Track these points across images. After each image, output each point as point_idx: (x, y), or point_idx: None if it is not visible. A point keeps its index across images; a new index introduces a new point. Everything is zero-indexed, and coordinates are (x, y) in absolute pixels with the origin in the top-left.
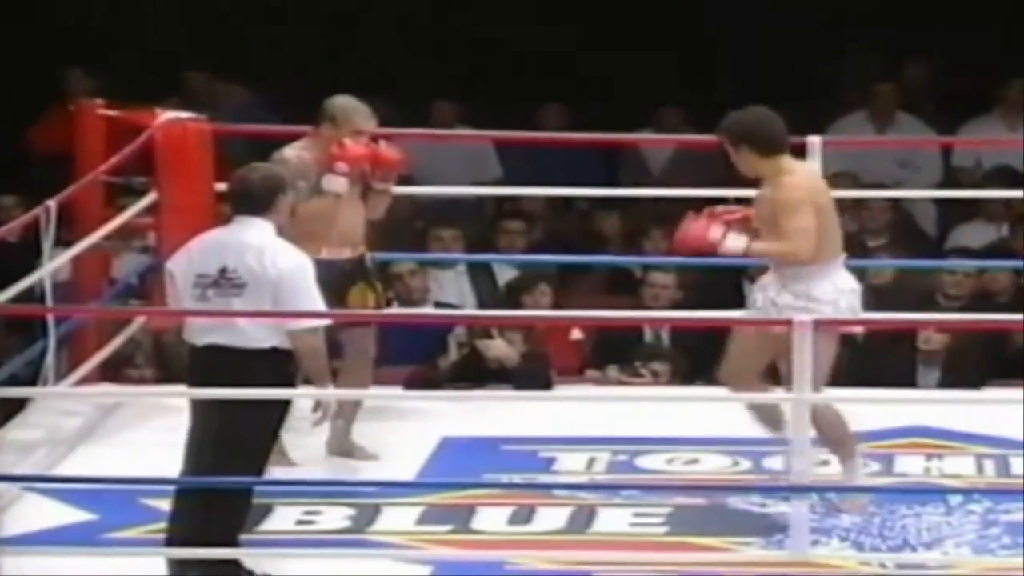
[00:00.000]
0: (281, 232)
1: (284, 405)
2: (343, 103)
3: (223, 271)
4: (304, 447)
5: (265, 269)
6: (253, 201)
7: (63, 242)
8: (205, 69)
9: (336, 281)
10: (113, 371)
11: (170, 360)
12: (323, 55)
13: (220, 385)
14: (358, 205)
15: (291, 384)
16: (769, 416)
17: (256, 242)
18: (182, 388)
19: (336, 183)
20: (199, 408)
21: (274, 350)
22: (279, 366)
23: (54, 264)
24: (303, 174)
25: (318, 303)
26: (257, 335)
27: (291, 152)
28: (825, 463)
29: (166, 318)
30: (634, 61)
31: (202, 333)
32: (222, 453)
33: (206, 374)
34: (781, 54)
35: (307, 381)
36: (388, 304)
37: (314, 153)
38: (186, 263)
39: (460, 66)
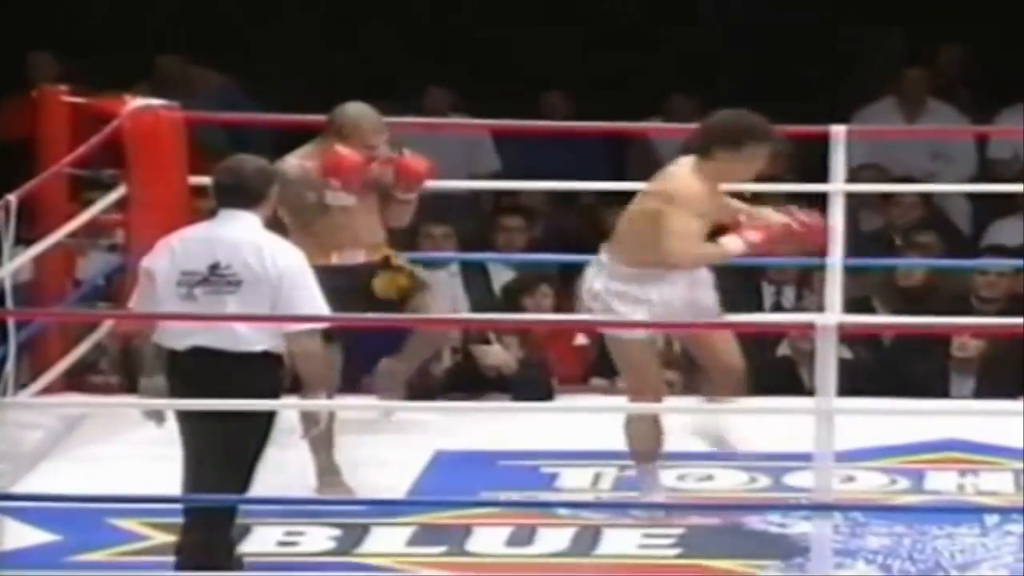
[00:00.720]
0: (268, 226)
1: (273, 412)
2: (353, 114)
3: (214, 267)
4: (287, 462)
5: (264, 267)
6: (245, 194)
7: (24, 240)
8: (179, 52)
9: (358, 284)
10: (75, 378)
11: (139, 367)
12: (317, 45)
13: (208, 392)
14: (372, 209)
15: (280, 390)
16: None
17: (250, 237)
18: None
19: (340, 198)
20: (186, 416)
21: (265, 354)
22: (270, 371)
23: (14, 264)
24: (310, 184)
25: (318, 302)
26: (250, 337)
27: (294, 161)
28: (851, 479)
29: (135, 321)
30: (643, 52)
31: (185, 335)
32: (209, 463)
33: (191, 380)
34: (801, 37)
35: (294, 388)
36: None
37: (318, 162)
38: (168, 260)
39: (460, 65)
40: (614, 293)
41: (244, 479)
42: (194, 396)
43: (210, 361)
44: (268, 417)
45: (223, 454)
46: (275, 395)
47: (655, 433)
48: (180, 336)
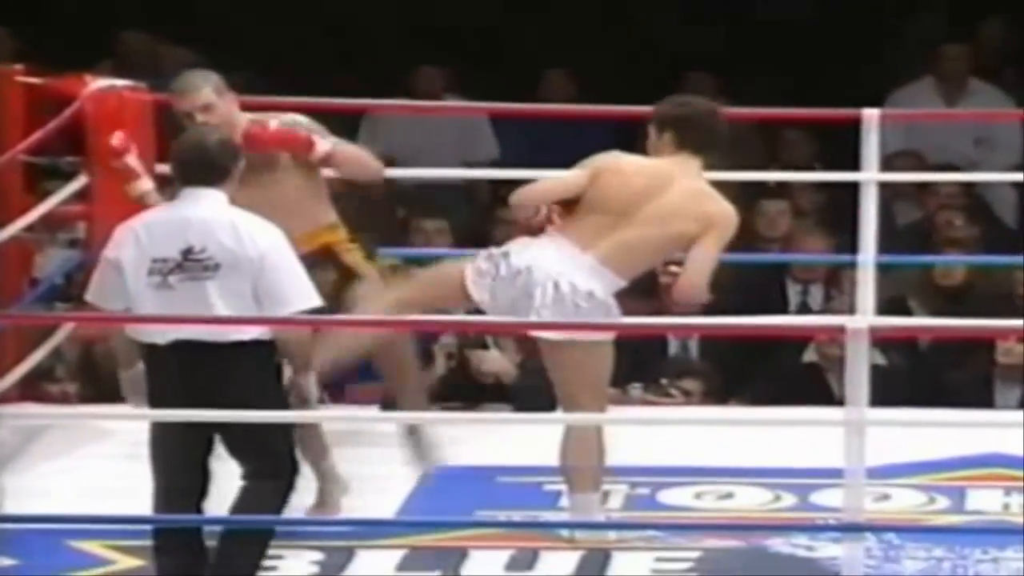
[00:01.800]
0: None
1: (282, 399)
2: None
3: (188, 252)
4: None
5: (244, 247)
6: (210, 169)
7: None
8: (146, 28)
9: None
10: (30, 387)
11: (102, 374)
12: (298, 22)
13: (199, 389)
14: (283, 191)
15: (279, 380)
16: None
17: (222, 217)
18: (118, 408)
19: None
20: (192, 423)
21: (256, 342)
22: (265, 360)
23: None
24: None
25: (305, 283)
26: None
27: None
28: (885, 497)
29: (98, 323)
30: (654, 33)
31: (166, 327)
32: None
33: (178, 378)
34: (834, 13)
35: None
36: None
37: None
38: (134, 248)
39: (454, 43)
40: (610, 305)
41: (290, 479)
42: (183, 395)
43: (197, 355)
44: (283, 403)
45: (264, 456)
46: (275, 385)
47: (602, 453)
48: (159, 329)
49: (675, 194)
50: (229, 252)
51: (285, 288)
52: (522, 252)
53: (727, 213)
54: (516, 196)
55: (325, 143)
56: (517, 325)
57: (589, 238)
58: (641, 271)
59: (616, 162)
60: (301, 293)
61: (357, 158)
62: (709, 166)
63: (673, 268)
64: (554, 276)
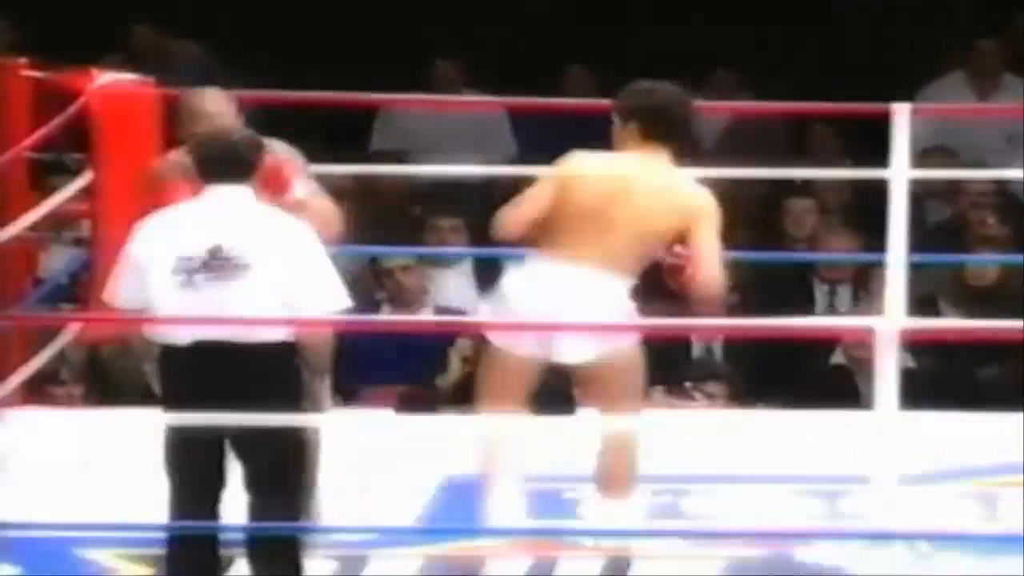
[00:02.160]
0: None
1: (301, 405)
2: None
3: (215, 251)
4: None
5: (275, 245)
6: (236, 165)
7: None
8: (154, 21)
9: None
10: (34, 390)
11: (108, 376)
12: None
13: (221, 393)
14: None
15: (301, 385)
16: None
17: (251, 214)
18: (125, 412)
19: None
20: (232, 430)
21: (282, 343)
22: (289, 363)
23: None
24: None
25: (337, 282)
26: (265, 324)
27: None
28: (915, 504)
29: (106, 322)
30: (680, 25)
31: (187, 327)
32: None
33: (198, 381)
34: (860, 5)
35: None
36: None
37: None
38: (159, 245)
39: (472, 35)
40: (626, 308)
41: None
42: (201, 397)
43: (218, 357)
44: (301, 410)
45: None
46: (298, 390)
47: (637, 459)
48: (180, 329)
49: (642, 192)
50: (259, 251)
51: (316, 288)
52: (518, 286)
53: (703, 197)
54: (499, 225)
55: (300, 190)
56: (538, 326)
57: (575, 251)
58: (640, 268)
59: (577, 168)
60: (332, 294)
61: (323, 216)
62: (679, 156)
63: (677, 248)
64: (559, 298)
